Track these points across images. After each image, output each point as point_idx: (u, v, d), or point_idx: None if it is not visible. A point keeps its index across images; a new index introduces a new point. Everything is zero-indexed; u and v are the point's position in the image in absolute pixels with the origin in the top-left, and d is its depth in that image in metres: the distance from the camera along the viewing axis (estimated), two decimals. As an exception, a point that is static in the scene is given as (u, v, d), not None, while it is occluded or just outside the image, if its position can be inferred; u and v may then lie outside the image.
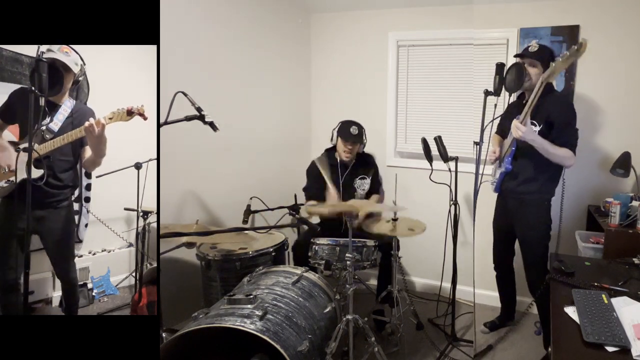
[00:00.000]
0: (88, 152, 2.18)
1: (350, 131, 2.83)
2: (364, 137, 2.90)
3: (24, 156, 1.99)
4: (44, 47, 2.02)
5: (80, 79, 2.22)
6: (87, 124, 1.96)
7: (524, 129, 2.11)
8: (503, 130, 2.64)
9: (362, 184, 2.95)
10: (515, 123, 2.15)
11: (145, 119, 2.06)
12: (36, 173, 2.04)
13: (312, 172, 2.96)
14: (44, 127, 2.12)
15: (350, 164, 2.92)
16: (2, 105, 2.19)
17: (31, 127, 1.81)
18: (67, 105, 2.21)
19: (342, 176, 2.91)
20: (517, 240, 2.59)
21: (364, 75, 3.52)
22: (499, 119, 2.67)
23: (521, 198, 2.45)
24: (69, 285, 2.43)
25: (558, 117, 2.23)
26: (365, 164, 2.98)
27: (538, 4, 2.90)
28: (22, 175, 2.05)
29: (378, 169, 3.05)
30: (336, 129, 2.89)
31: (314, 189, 2.91)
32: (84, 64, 2.22)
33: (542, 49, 2.33)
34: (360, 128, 2.87)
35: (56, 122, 2.16)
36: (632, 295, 1.61)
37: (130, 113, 2.01)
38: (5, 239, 2.12)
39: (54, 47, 2.06)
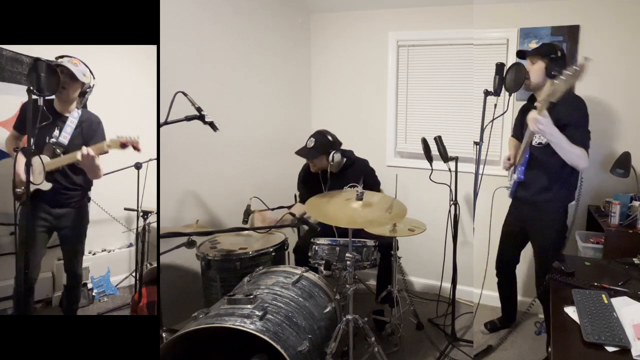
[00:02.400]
0: None
1: (306, 144, 2.69)
2: (324, 149, 2.65)
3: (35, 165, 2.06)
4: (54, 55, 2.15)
5: (87, 90, 2.29)
6: (79, 155, 2.11)
7: (544, 121, 2.04)
8: (517, 134, 2.62)
9: None
10: (533, 115, 2.06)
11: (138, 151, 2.20)
12: (47, 186, 2.22)
13: (300, 177, 2.98)
14: (54, 140, 2.21)
15: (335, 172, 2.76)
16: (17, 118, 2.40)
17: (30, 127, 1.83)
18: (74, 116, 2.27)
19: (326, 186, 2.78)
20: (532, 247, 2.54)
21: (364, 75, 3.51)
22: (513, 122, 2.65)
23: (537, 205, 2.40)
24: (74, 281, 2.51)
25: (571, 117, 2.20)
26: (353, 171, 2.79)
27: (538, 4, 2.90)
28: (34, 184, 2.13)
29: (373, 171, 2.89)
30: None
31: (302, 194, 2.96)
32: (94, 77, 2.30)
33: (542, 45, 2.33)
34: (318, 139, 2.66)
35: (65, 135, 2.24)
36: (632, 295, 1.61)
37: (123, 145, 2.15)
38: (26, 241, 2.18)
39: (65, 59, 2.17)
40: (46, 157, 2.20)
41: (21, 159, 2.16)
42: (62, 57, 2.19)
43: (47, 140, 2.20)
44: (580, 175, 2.43)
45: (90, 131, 2.31)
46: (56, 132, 2.23)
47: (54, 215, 2.31)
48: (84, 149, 2.12)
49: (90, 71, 2.28)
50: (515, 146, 2.60)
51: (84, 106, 2.37)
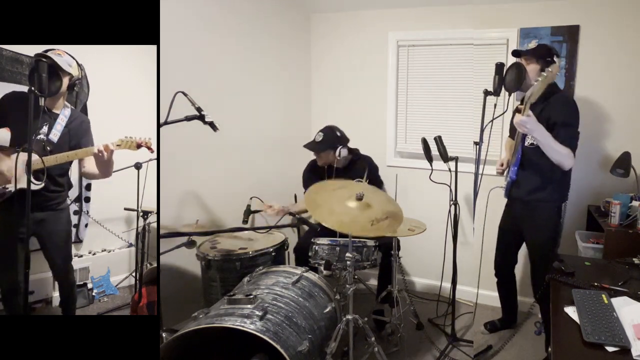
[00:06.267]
0: (88, 162, 2.22)
1: (314, 138, 2.77)
2: (332, 143, 2.73)
3: (21, 162, 1.98)
4: (39, 51, 2.02)
5: (77, 82, 2.19)
6: (96, 149, 2.02)
7: (529, 121, 2.06)
8: (514, 134, 2.63)
9: None
10: (518, 119, 2.09)
11: (152, 151, 2.16)
12: (35, 185, 2.00)
13: (305, 173, 3.01)
14: (42, 137, 2.09)
15: (340, 168, 2.83)
16: None
17: (31, 128, 1.80)
18: (64, 114, 2.17)
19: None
20: (526, 246, 2.55)
21: (364, 75, 3.51)
22: (510, 123, 2.66)
23: (530, 205, 2.41)
24: (67, 286, 2.42)
25: (559, 116, 2.21)
26: (358, 167, 2.85)
27: (538, 4, 2.90)
28: (20, 183, 2.04)
29: (376, 169, 2.96)
30: None
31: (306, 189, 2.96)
32: (82, 69, 2.20)
33: (539, 47, 2.33)
34: (327, 133, 2.75)
35: (55, 132, 2.13)
36: (632, 295, 1.61)
37: (139, 146, 2.11)
38: (6, 244, 2.11)
39: (49, 52, 2.05)
40: (35, 154, 2.01)
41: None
42: (46, 51, 2.05)
43: (34, 137, 2.02)
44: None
45: (80, 131, 2.20)
46: (45, 129, 2.10)
47: (33, 220, 2.05)
48: (101, 144, 2.01)
49: (78, 63, 2.15)
50: (512, 147, 2.61)
51: (75, 104, 2.26)
